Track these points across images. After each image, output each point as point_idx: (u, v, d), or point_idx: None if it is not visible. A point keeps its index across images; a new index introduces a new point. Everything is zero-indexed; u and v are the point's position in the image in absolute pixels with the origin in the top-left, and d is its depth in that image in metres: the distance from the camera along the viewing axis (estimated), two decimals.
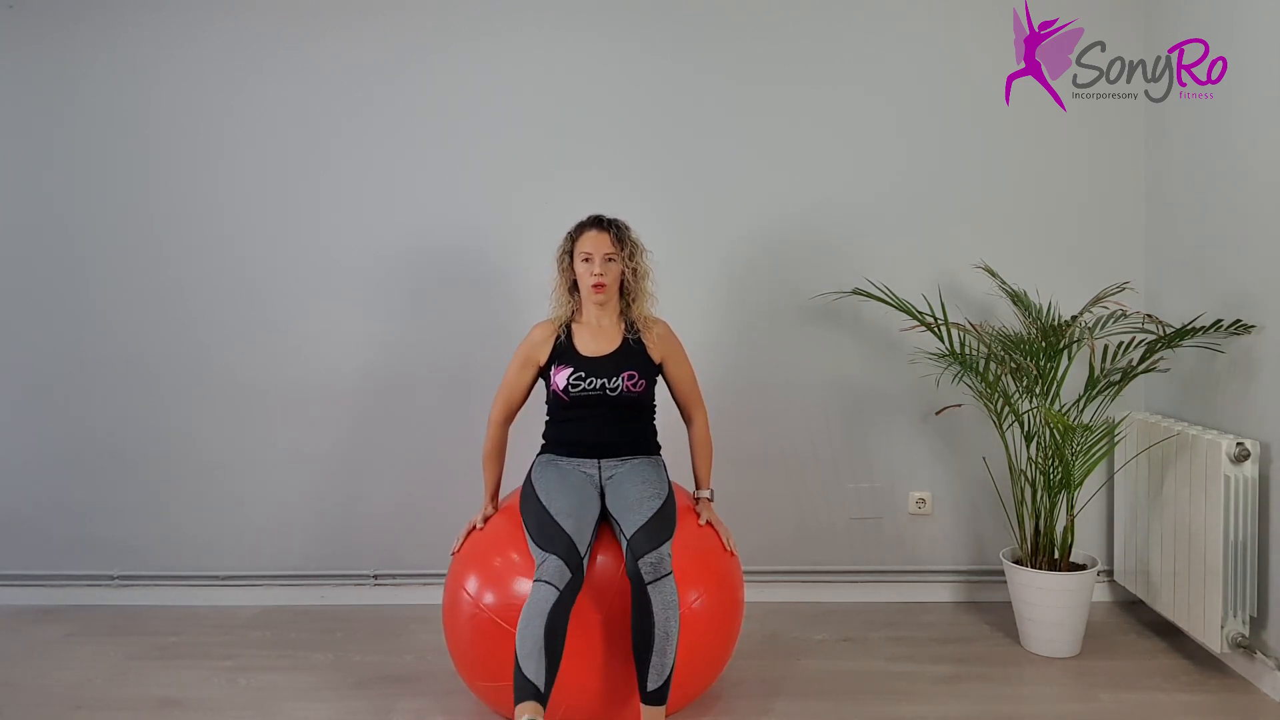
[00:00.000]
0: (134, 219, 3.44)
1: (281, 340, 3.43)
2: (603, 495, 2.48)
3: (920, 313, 3.05)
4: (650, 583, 2.22)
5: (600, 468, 2.54)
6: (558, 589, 2.19)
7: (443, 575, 2.69)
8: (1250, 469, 2.57)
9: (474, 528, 2.54)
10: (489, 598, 2.35)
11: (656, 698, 2.24)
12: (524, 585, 2.30)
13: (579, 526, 2.31)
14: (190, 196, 3.43)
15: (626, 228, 2.63)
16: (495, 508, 2.61)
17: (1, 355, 3.50)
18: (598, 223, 2.60)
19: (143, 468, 3.48)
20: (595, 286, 2.55)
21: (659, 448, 2.67)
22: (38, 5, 3.42)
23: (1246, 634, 2.60)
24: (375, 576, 3.46)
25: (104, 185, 3.44)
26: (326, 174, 3.40)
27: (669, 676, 2.23)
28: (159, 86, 3.42)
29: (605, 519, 2.44)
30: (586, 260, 2.56)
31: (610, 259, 2.56)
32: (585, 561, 2.27)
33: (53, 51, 3.42)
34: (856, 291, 3.17)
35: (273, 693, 2.71)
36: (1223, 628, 2.60)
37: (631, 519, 2.32)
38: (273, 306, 3.43)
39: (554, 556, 2.23)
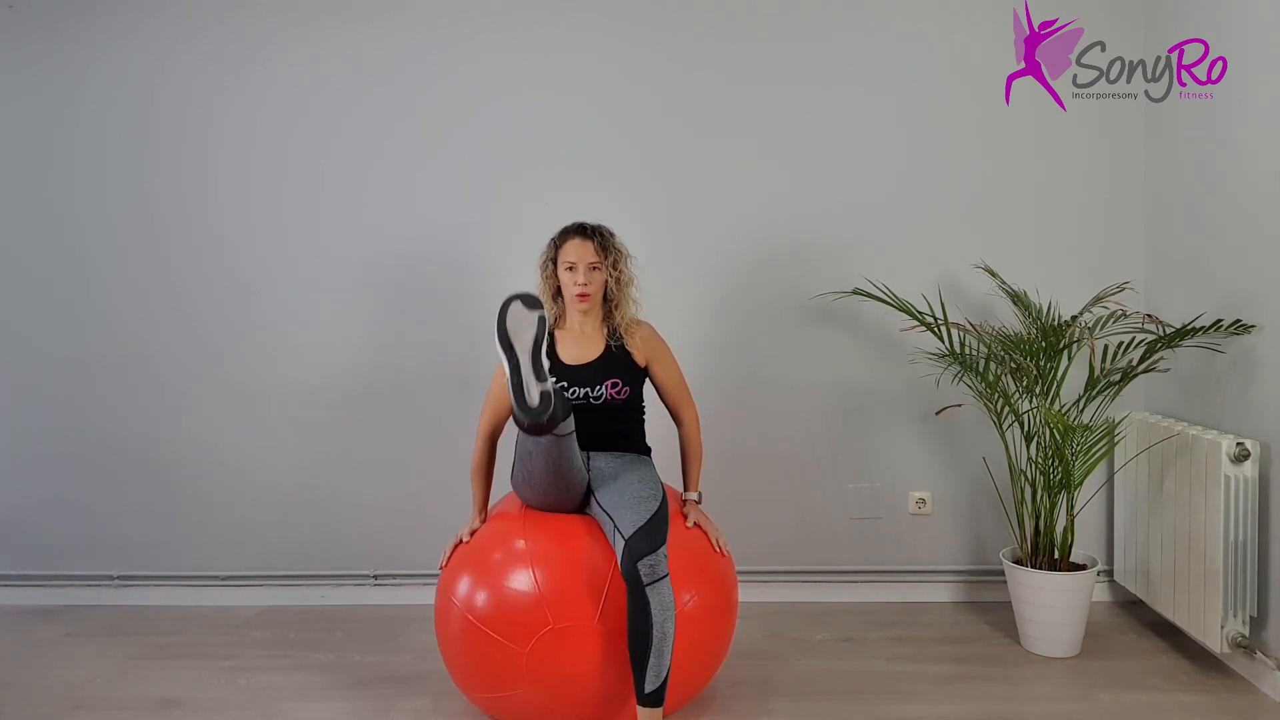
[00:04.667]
0: (133, 219, 3.44)
1: (281, 340, 3.43)
2: (589, 485, 2.46)
3: (920, 313, 3.05)
4: (649, 585, 2.21)
5: (590, 457, 2.52)
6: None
7: None
8: (1250, 469, 2.57)
9: (460, 542, 2.50)
10: (478, 607, 2.31)
11: (654, 699, 2.24)
12: (511, 589, 2.28)
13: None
14: (189, 196, 3.43)
15: (610, 235, 2.60)
16: (483, 522, 2.56)
17: (1, 354, 3.51)
18: (581, 230, 2.57)
19: (143, 468, 3.49)
20: (579, 296, 2.53)
21: (649, 449, 2.66)
22: (38, 5, 3.42)
23: (1246, 634, 2.60)
24: (375, 576, 3.46)
25: (103, 185, 3.44)
26: (326, 174, 3.40)
27: (666, 678, 2.23)
28: (159, 86, 3.42)
29: (590, 506, 2.43)
30: (570, 269, 2.54)
31: (594, 268, 2.54)
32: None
33: (53, 51, 3.42)
34: (856, 291, 3.17)
35: (273, 693, 2.71)
36: (1223, 628, 2.60)
37: (630, 518, 2.30)
38: (272, 306, 3.43)
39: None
